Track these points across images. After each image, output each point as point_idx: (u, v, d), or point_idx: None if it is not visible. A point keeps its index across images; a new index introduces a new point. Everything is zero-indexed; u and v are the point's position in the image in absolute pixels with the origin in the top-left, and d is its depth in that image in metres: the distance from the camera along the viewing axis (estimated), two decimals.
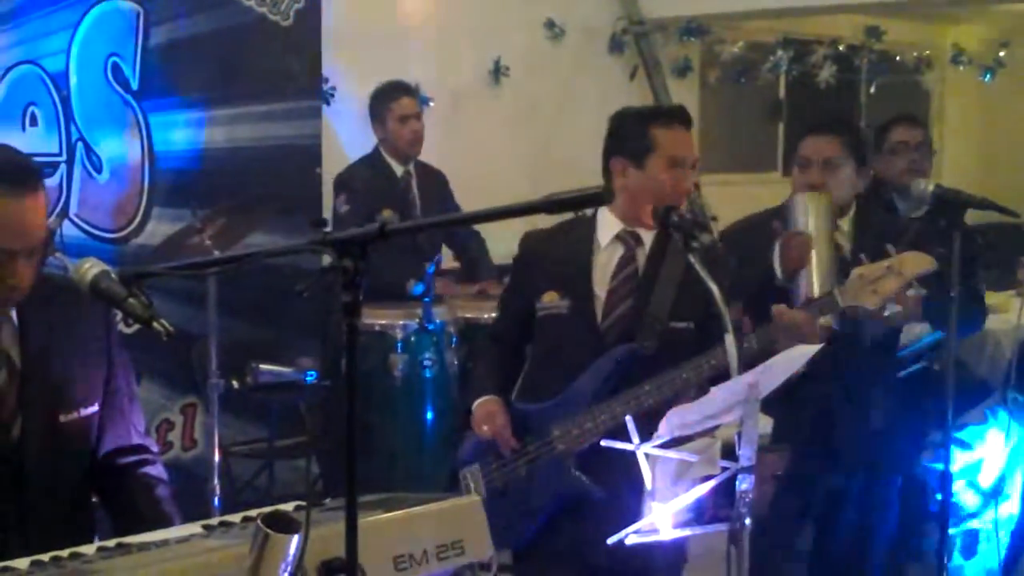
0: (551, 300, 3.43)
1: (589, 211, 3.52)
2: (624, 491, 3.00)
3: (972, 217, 3.95)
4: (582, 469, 3.33)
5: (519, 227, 3.62)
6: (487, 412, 3.45)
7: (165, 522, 2.57)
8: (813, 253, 3.55)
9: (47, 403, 2.53)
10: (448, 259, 6.15)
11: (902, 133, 4.87)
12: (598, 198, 1.93)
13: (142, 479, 2.74)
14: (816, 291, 3.48)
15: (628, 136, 3.42)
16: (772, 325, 3.30)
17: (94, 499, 2.76)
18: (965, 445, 4.78)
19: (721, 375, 2.92)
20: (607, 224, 3.45)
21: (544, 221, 3.38)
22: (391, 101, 5.86)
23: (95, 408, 2.61)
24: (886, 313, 3.47)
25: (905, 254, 3.33)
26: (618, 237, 3.44)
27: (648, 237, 3.43)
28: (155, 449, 2.86)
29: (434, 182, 6.01)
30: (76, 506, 2.62)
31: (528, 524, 3.42)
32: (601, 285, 3.42)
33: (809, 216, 3.63)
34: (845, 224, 3.86)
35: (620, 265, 3.42)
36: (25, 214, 2.42)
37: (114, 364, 2.68)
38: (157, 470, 2.79)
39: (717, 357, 3.13)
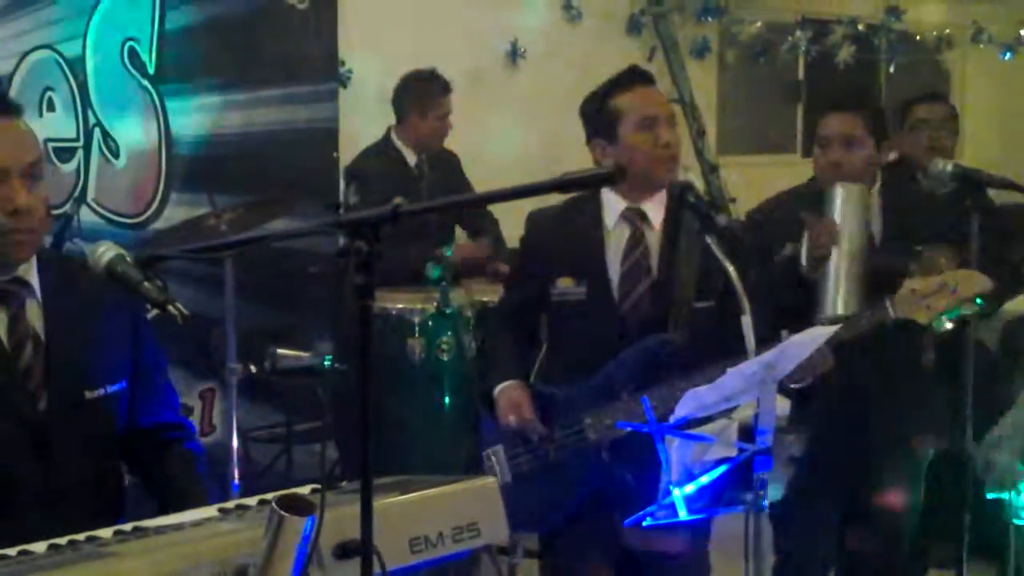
0: (567, 285, 3.39)
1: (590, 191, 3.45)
2: (654, 476, 2.98)
3: (993, 197, 3.92)
4: (612, 455, 3.29)
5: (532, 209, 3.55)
6: (512, 401, 3.38)
7: (203, 500, 2.56)
8: (843, 243, 3.55)
9: (73, 379, 2.53)
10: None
11: (924, 110, 4.90)
12: (610, 177, 1.93)
13: (182, 455, 2.74)
14: (842, 281, 3.52)
15: (594, 117, 3.39)
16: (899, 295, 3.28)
17: (129, 479, 2.77)
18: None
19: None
20: (611, 203, 3.40)
21: (551, 200, 3.28)
22: (438, 96, 5.73)
23: (121, 385, 2.61)
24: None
25: (960, 272, 3.31)
26: (624, 217, 3.39)
27: (654, 213, 3.38)
28: (192, 428, 2.87)
29: (447, 165, 5.98)
30: (102, 483, 2.62)
31: (556, 510, 3.39)
32: (615, 268, 3.38)
33: (844, 207, 3.61)
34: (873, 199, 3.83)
35: (629, 246, 3.39)
36: (14, 132, 2.43)
37: (142, 342, 2.68)
38: (196, 446, 2.80)
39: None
